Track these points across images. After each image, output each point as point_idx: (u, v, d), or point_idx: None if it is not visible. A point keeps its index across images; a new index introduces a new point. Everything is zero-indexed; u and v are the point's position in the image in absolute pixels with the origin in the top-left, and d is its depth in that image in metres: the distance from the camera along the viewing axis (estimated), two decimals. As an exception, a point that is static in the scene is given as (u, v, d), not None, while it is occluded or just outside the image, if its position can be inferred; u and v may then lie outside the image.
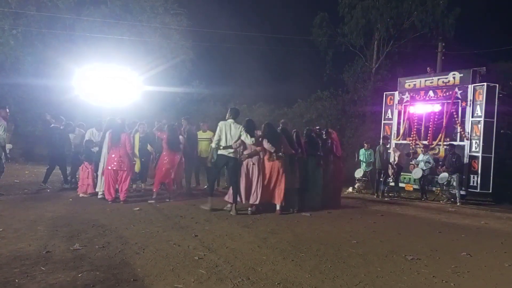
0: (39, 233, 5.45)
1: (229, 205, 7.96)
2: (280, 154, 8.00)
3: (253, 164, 7.96)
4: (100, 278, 3.85)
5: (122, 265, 4.26)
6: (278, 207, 8.07)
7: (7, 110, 8.71)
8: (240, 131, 7.61)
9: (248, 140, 7.60)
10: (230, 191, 7.93)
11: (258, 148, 7.98)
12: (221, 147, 7.62)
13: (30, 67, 18.11)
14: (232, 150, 7.65)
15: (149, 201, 8.50)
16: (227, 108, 8.30)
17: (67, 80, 14.05)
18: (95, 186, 8.97)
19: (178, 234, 5.81)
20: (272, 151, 7.93)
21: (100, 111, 12.09)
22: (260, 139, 7.93)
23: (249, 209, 7.87)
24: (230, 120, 7.71)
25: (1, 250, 4.56)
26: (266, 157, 8.03)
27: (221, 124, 7.67)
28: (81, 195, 8.87)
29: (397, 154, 12.44)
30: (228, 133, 7.59)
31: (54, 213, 6.89)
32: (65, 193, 9.20)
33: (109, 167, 8.32)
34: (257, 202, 7.92)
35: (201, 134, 10.87)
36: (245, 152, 8.02)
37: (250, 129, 7.73)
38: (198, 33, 22.47)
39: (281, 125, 8.79)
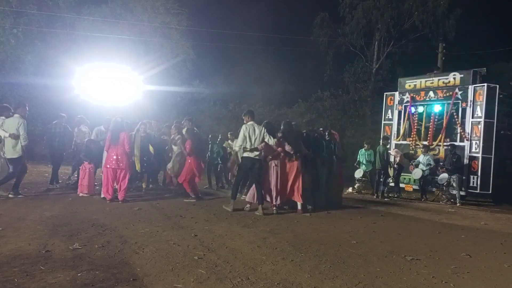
0: (39, 232, 5.45)
1: (248, 206, 8.11)
2: (298, 154, 8.18)
3: (275, 165, 8.12)
4: (99, 277, 3.85)
5: (121, 265, 4.26)
6: (299, 206, 8.23)
7: (27, 108, 8.50)
8: (263, 133, 7.78)
9: (271, 141, 7.80)
10: (252, 192, 8.06)
11: (280, 149, 8.10)
12: (247, 150, 7.75)
13: (31, 66, 18.13)
14: (257, 152, 7.81)
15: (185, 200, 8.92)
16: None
17: (67, 79, 14.03)
18: (93, 186, 8.99)
19: (178, 233, 5.81)
20: (292, 152, 8.09)
21: (101, 110, 12.09)
22: (280, 139, 8.08)
23: (274, 208, 8.00)
24: (251, 123, 7.87)
25: (0, 249, 4.56)
26: (285, 158, 8.19)
27: (244, 127, 7.80)
28: (80, 194, 8.88)
29: (398, 156, 12.41)
30: (252, 136, 7.74)
31: (54, 212, 6.90)
32: (65, 193, 9.19)
33: (108, 166, 8.33)
34: (279, 202, 8.12)
35: None
36: (263, 152, 8.06)
37: (271, 130, 7.94)
38: (198, 32, 22.51)
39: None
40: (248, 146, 7.73)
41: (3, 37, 17.27)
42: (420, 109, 13.18)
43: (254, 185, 8.08)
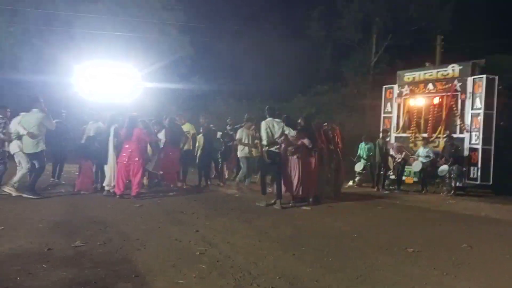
0: (40, 230, 5.47)
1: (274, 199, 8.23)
2: (315, 149, 8.43)
3: (298, 158, 8.27)
4: (101, 274, 3.86)
5: (123, 262, 4.27)
6: (311, 199, 8.45)
7: (42, 101, 8.14)
8: (283, 127, 8.10)
9: (292, 133, 8.13)
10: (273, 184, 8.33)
11: (299, 143, 8.26)
12: (268, 144, 8.02)
13: (29, 64, 18.10)
14: (278, 146, 8.09)
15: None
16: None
17: (66, 76, 14.02)
18: (93, 183, 8.99)
19: (179, 229, 5.82)
20: (310, 146, 8.27)
21: (100, 107, 12.05)
22: (300, 133, 8.30)
23: (291, 202, 8.28)
24: (270, 118, 8.16)
25: (2, 248, 4.57)
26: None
27: (264, 123, 8.07)
28: (82, 192, 8.87)
29: (400, 151, 12.35)
30: (273, 130, 8.04)
31: (55, 210, 6.90)
32: (66, 190, 9.17)
33: (120, 161, 8.40)
34: (301, 194, 8.36)
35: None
36: (282, 146, 8.25)
37: (290, 124, 8.31)
38: (196, 28, 22.42)
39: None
40: (269, 141, 7.99)
41: (0, 35, 17.22)
42: (420, 101, 13.14)
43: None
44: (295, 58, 23.93)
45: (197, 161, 11.00)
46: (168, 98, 20.90)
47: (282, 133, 8.06)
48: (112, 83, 12.65)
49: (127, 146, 8.44)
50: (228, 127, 12.02)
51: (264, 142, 8.06)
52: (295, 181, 8.23)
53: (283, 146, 8.19)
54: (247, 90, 22.82)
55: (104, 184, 8.78)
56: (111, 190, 8.60)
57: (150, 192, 9.40)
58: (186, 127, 10.54)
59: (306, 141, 8.21)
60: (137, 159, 8.42)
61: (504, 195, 11.19)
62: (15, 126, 8.07)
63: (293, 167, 8.25)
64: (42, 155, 8.13)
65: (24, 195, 7.84)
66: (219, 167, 11.78)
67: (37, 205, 7.30)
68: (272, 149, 8.04)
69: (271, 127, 8.04)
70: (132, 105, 13.27)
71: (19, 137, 8.02)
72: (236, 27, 23.82)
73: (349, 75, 22.63)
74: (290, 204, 8.19)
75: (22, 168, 8.15)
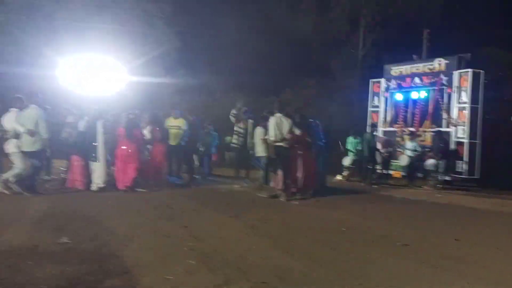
0: (26, 226, 5.36)
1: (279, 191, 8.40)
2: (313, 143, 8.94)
3: (300, 153, 8.59)
4: (88, 270, 3.78)
5: (110, 257, 4.20)
6: (311, 191, 8.71)
7: (40, 97, 8.02)
8: (291, 124, 8.33)
9: (297, 131, 8.44)
10: (278, 178, 8.41)
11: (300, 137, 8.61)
12: (278, 140, 8.21)
13: (11, 56, 17.71)
14: (286, 141, 8.28)
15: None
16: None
17: (50, 69, 13.77)
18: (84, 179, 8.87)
19: (167, 224, 5.76)
20: (310, 140, 8.75)
21: (84, 101, 11.86)
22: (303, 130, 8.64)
23: (296, 193, 8.48)
24: (279, 114, 8.34)
25: (-15, 244, 4.47)
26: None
27: (273, 119, 8.26)
28: (73, 188, 8.67)
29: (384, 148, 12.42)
30: (281, 126, 8.23)
31: (41, 205, 6.77)
32: (51, 186, 9.00)
33: (119, 159, 8.56)
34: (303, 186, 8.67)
35: (171, 121, 10.39)
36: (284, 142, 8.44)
37: (297, 122, 8.57)
38: (182, 21, 22.17)
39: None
40: (278, 136, 8.17)
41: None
42: (407, 95, 13.22)
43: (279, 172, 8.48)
44: (283, 52, 23.86)
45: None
46: (153, 91, 20.68)
47: (290, 129, 8.28)
48: (96, 76, 12.47)
49: (125, 146, 8.59)
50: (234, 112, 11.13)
51: (272, 138, 8.23)
52: (299, 174, 8.49)
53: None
54: (234, 84, 22.69)
55: (94, 180, 8.62)
56: (102, 186, 8.50)
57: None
58: (180, 122, 10.44)
59: (306, 137, 8.63)
60: (135, 157, 8.65)
61: (491, 189, 11.33)
62: (10, 123, 7.71)
63: (297, 161, 8.50)
64: (40, 153, 7.92)
65: (25, 193, 7.59)
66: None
67: (24, 201, 7.15)
68: (282, 144, 8.22)
69: (279, 123, 8.21)
70: (116, 98, 13.11)
71: (16, 136, 7.67)
72: (223, 19, 23.62)
73: (336, 69, 22.64)
74: (297, 197, 8.37)
75: (15, 168, 7.79)
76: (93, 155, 8.45)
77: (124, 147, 8.63)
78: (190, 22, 22.60)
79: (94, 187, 8.46)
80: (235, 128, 10.01)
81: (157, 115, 10.11)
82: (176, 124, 10.28)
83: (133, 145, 8.68)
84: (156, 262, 4.12)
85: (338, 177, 13.07)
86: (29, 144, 7.58)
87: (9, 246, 4.43)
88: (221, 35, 23.89)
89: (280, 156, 8.35)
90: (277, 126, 8.18)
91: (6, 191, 7.63)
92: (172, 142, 10.05)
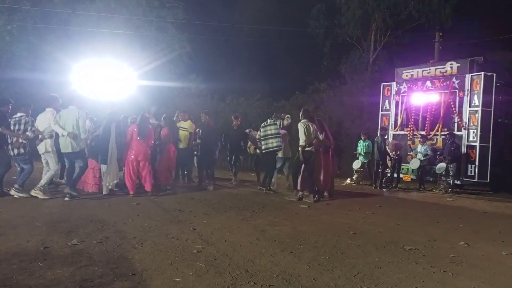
0: (37, 229, 5.45)
1: (301, 193, 8.95)
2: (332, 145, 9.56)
3: (321, 154, 9.13)
4: (98, 273, 3.85)
5: (120, 260, 4.26)
6: (326, 193, 9.35)
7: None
8: (315, 129, 8.81)
9: (320, 136, 8.91)
10: (301, 180, 8.99)
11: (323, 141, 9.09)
12: (307, 144, 8.65)
13: (26, 62, 18.02)
14: (312, 145, 8.78)
15: None
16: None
17: (63, 75, 13.98)
18: (97, 183, 8.96)
19: (177, 228, 5.81)
20: (328, 144, 9.28)
21: (96, 106, 12.01)
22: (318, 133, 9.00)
23: (316, 196, 8.78)
24: (305, 120, 8.79)
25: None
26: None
27: (302, 125, 8.68)
28: (87, 191, 8.77)
29: (394, 152, 12.36)
30: (309, 132, 8.68)
31: (52, 209, 6.88)
32: (62, 189, 9.12)
33: (131, 160, 8.57)
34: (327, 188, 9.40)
35: (181, 124, 10.50)
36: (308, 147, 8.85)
37: (321, 127, 9.18)
38: (195, 26, 22.39)
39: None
40: (307, 141, 8.60)
41: (-2, 33, 17.17)
42: (418, 99, 13.15)
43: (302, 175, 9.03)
44: (294, 56, 23.92)
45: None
46: (165, 96, 20.87)
47: (315, 135, 8.76)
48: (109, 81, 12.62)
49: (136, 145, 8.61)
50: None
51: (303, 143, 8.58)
52: (321, 177, 9.09)
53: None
54: (245, 88, 22.81)
55: (106, 183, 8.69)
56: (114, 188, 8.69)
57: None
58: (188, 124, 10.53)
59: (326, 141, 9.15)
60: (146, 157, 8.72)
61: (502, 193, 11.22)
62: (45, 123, 7.80)
63: (319, 164, 9.03)
64: (83, 153, 8.01)
65: (66, 198, 7.68)
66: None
67: (35, 204, 7.29)
68: (309, 149, 8.68)
69: (307, 128, 8.65)
70: (128, 103, 13.25)
71: (51, 136, 7.82)
72: (235, 25, 23.77)
73: (347, 73, 22.61)
74: (318, 198, 8.77)
75: (49, 169, 8.00)
76: (105, 157, 8.57)
77: (136, 149, 8.61)
78: (202, 28, 22.79)
79: (106, 190, 8.57)
80: (270, 132, 9.88)
81: (169, 118, 10.19)
82: (184, 126, 10.43)
83: (146, 146, 8.70)
84: (165, 264, 4.17)
85: (348, 181, 13.04)
86: (67, 145, 7.68)
87: (22, 249, 4.52)
88: (233, 40, 24.04)
89: (308, 160, 8.74)
90: (307, 132, 8.59)
91: (45, 197, 7.75)
92: (181, 145, 10.19)
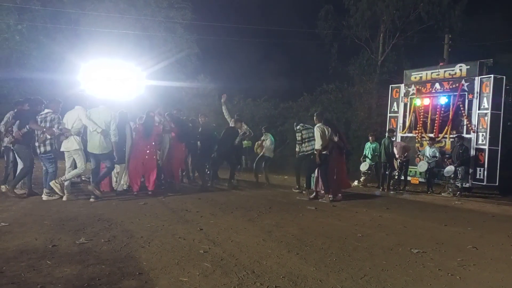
0: (45, 227, 5.49)
1: (314, 194, 9.25)
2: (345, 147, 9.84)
3: (334, 158, 9.33)
4: (105, 271, 3.87)
5: (127, 259, 4.28)
6: (339, 194, 9.44)
7: None
8: (330, 132, 9.06)
9: (336, 138, 9.20)
10: (321, 181, 9.22)
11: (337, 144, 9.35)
12: (321, 147, 8.88)
13: (36, 61, 18.19)
14: (328, 148, 9.02)
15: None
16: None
17: (72, 74, 14.07)
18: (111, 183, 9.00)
19: (184, 227, 5.82)
20: (342, 146, 9.52)
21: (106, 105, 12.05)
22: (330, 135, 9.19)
23: (330, 196, 9.03)
24: (320, 124, 9.02)
25: (8, 244, 4.60)
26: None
27: (319, 129, 8.91)
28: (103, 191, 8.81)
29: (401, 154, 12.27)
30: (325, 135, 8.94)
31: (60, 207, 6.93)
32: (73, 188, 9.16)
33: (137, 159, 8.60)
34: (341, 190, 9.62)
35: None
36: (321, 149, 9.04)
37: (334, 130, 9.34)
38: (203, 26, 22.45)
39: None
40: (323, 144, 8.84)
41: (8, 33, 17.32)
42: (426, 101, 13.08)
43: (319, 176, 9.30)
44: (302, 57, 23.90)
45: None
46: (174, 96, 20.94)
47: (330, 137, 9.00)
48: (117, 81, 12.66)
49: (143, 143, 8.65)
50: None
51: (319, 146, 8.80)
52: (335, 178, 9.32)
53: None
54: (253, 89, 22.83)
55: (120, 183, 8.72)
56: (124, 188, 8.72)
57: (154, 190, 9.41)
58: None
59: (340, 142, 9.36)
60: (154, 156, 8.82)
61: (511, 196, 11.11)
62: (72, 121, 7.66)
63: (333, 165, 9.24)
64: (112, 155, 7.99)
65: (91, 200, 7.61)
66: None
67: (43, 202, 7.35)
68: (324, 152, 8.92)
69: (324, 132, 8.90)
70: (136, 102, 13.27)
71: (78, 133, 7.72)
72: (243, 26, 23.80)
73: (355, 74, 22.53)
74: (330, 197, 8.99)
75: (78, 168, 7.84)
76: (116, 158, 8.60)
77: (141, 148, 8.65)
78: (210, 28, 22.86)
79: (121, 187, 8.65)
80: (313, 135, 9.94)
81: (173, 115, 10.24)
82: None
83: (151, 145, 8.72)
84: (171, 264, 4.19)
85: (355, 183, 12.99)
86: (95, 146, 7.69)
87: (30, 247, 4.56)
88: (240, 41, 24.07)
89: (324, 162, 8.97)
90: (323, 135, 8.83)
91: (60, 193, 7.65)
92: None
